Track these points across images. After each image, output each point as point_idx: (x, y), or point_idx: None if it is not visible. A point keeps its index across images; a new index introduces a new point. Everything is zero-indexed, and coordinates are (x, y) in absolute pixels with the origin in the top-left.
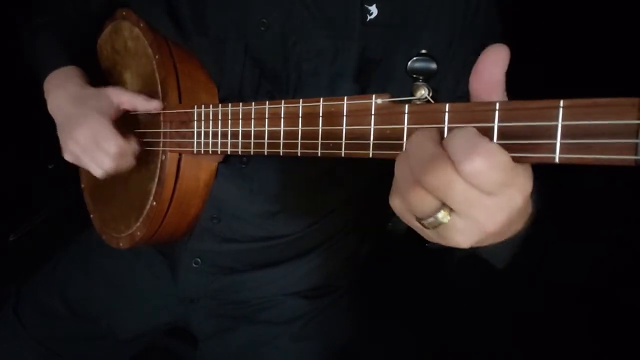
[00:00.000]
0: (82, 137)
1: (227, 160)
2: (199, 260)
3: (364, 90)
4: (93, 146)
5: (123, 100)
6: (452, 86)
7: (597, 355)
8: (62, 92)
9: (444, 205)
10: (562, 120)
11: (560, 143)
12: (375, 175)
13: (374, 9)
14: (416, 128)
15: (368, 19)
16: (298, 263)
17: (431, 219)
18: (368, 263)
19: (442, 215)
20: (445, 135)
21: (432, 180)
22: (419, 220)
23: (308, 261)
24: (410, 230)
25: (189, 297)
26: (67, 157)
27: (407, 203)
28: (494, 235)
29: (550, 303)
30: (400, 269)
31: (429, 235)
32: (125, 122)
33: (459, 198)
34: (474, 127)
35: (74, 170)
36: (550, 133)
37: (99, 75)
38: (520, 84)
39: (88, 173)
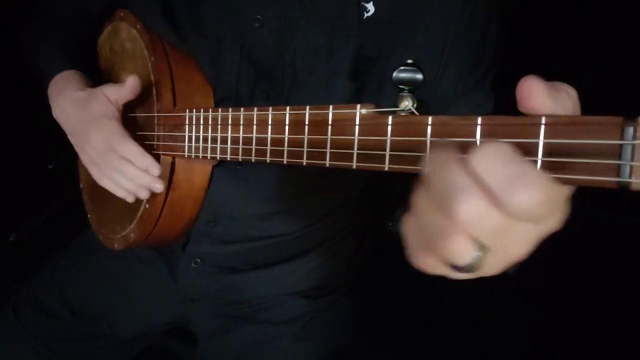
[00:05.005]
0: (99, 144)
1: (222, 162)
2: (198, 260)
3: (360, 89)
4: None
5: (118, 98)
6: (453, 83)
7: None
8: (64, 97)
9: (477, 243)
10: (544, 138)
11: (542, 161)
12: (373, 176)
13: (370, 7)
14: (399, 140)
15: (365, 17)
16: (298, 263)
17: (470, 264)
18: (368, 263)
19: (479, 256)
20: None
21: (466, 213)
22: (454, 267)
23: (308, 261)
24: None
25: (190, 297)
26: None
27: (441, 255)
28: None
29: (548, 304)
30: (400, 269)
31: (456, 275)
32: (125, 124)
33: (491, 232)
34: (512, 142)
35: (74, 170)
36: (532, 150)
37: (99, 76)
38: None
39: (87, 173)
